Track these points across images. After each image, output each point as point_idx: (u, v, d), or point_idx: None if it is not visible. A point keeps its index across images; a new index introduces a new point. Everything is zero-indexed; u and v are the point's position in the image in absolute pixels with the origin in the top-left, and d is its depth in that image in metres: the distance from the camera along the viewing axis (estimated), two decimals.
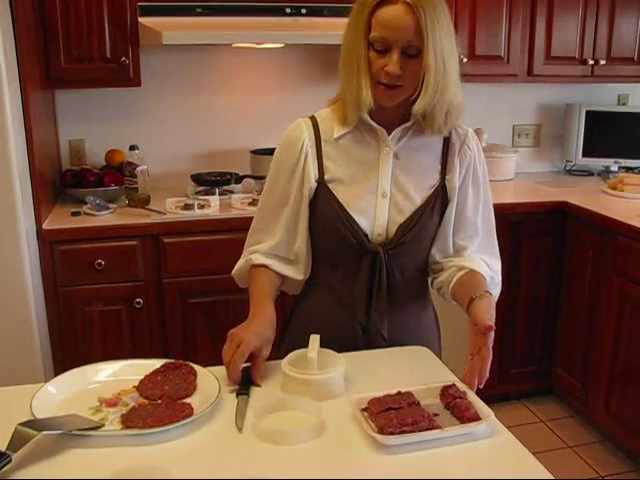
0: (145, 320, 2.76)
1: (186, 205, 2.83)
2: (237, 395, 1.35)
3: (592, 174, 3.74)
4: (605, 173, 3.66)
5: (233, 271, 1.66)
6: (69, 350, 2.70)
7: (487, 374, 1.35)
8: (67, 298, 2.66)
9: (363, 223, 1.54)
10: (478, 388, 1.37)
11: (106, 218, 2.76)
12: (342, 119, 1.54)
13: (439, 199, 1.57)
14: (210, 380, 1.39)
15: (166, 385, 1.38)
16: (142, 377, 1.42)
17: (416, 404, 1.27)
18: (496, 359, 3.13)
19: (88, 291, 2.68)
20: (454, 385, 1.34)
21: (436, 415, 1.27)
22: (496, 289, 1.63)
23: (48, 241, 2.59)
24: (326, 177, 1.55)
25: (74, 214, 2.77)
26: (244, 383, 1.39)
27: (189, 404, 1.32)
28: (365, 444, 1.20)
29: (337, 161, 1.55)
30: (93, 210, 2.78)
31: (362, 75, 1.43)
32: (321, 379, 1.34)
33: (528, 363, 3.30)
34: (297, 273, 1.60)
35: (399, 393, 1.31)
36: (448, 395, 1.31)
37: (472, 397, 1.32)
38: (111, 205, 2.85)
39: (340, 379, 1.38)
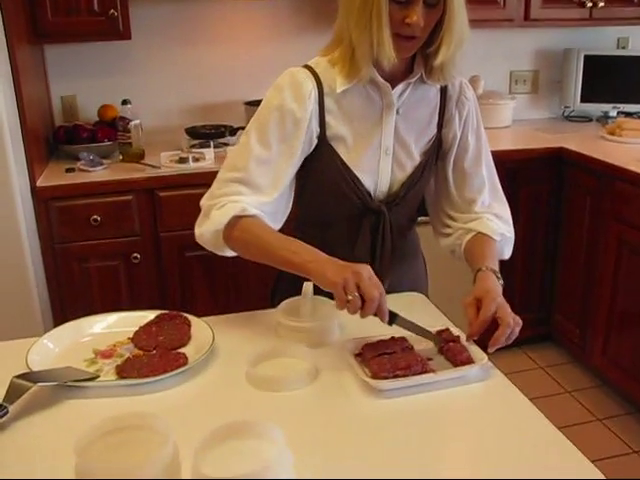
0: (143, 275, 2.77)
1: (181, 159, 2.81)
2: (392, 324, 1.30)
3: (591, 120, 3.70)
4: (604, 119, 3.62)
5: (205, 228, 1.44)
6: (69, 306, 2.71)
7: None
8: (64, 255, 2.66)
9: (367, 182, 1.51)
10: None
11: (100, 174, 2.74)
12: (346, 73, 1.43)
13: (436, 152, 1.56)
14: (204, 329, 1.39)
15: (160, 336, 1.39)
16: (137, 329, 1.42)
17: (410, 349, 1.28)
18: None
19: (85, 247, 2.67)
20: (448, 329, 1.35)
21: (430, 359, 1.28)
22: (509, 245, 1.62)
23: (42, 198, 2.58)
24: (327, 134, 1.47)
25: (68, 171, 2.75)
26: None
27: (183, 354, 1.32)
28: (359, 389, 1.21)
29: (339, 117, 1.47)
30: (87, 166, 2.76)
31: (383, 28, 1.32)
32: (315, 327, 1.35)
33: (527, 310, 3.30)
34: (279, 224, 1.52)
35: (393, 338, 1.32)
36: (441, 339, 1.31)
37: (465, 341, 1.32)
38: (105, 161, 2.83)
39: (334, 326, 1.38)
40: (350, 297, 1.22)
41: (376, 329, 1.35)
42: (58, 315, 2.71)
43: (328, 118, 1.47)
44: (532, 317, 3.31)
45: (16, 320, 2.48)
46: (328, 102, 1.46)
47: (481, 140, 1.59)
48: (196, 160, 2.80)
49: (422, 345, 1.32)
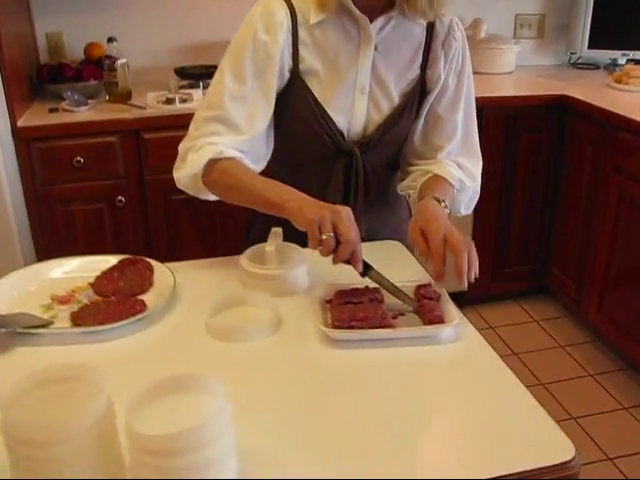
0: (128, 218, 2.70)
1: (168, 99, 2.72)
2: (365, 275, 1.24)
3: (598, 67, 3.56)
4: (612, 66, 3.48)
5: (183, 172, 1.37)
6: (53, 250, 2.66)
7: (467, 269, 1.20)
8: (47, 197, 2.59)
9: (340, 121, 1.43)
10: (470, 284, 1.23)
11: (85, 114, 2.64)
12: (319, 3, 1.35)
13: (417, 94, 1.46)
14: (167, 276, 1.33)
15: (121, 281, 1.33)
16: (98, 274, 1.36)
17: (379, 301, 1.21)
18: (490, 258, 3.13)
19: (68, 190, 2.60)
20: (428, 285, 1.26)
21: (401, 315, 1.21)
22: (468, 198, 1.53)
23: (24, 139, 2.50)
24: (300, 68, 1.39)
25: (51, 111, 2.66)
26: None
27: (142, 300, 1.27)
28: (319, 339, 1.15)
29: (313, 51, 1.39)
30: (71, 106, 2.66)
31: None
32: (281, 274, 1.28)
33: (523, 262, 3.25)
34: (260, 166, 1.46)
35: (367, 288, 1.25)
36: (418, 294, 1.24)
37: (445, 300, 1.24)
38: (91, 101, 2.74)
39: (301, 274, 1.31)
40: (325, 236, 1.15)
41: (352, 279, 1.29)
42: (42, 259, 2.64)
43: (302, 51, 1.38)
44: (529, 269, 3.26)
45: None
46: (302, 33, 1.37)
47: (462, 85, 1.48)
48: (183, 101, 2.70)
49: (397, 299, 1.25)
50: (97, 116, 2.62)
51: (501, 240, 3.16)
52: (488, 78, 3.22)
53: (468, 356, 1.13)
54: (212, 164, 1.33)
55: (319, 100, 1.40)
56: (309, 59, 1.39)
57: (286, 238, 1.37)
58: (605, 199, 2.78)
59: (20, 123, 2.50)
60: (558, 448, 0.92)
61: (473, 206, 1.57)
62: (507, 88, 3.16)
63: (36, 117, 2.61)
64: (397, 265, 1.31)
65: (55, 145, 2.54)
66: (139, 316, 1.20)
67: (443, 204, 1.34)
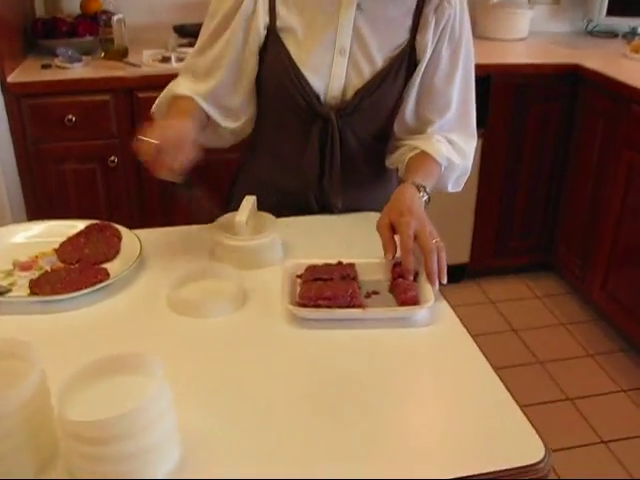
0: (121, 179, 2.64)
1: (164, 58, 2.63)
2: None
3: (616, 36, 3.41)
4: (630, 35, 3.33)
5: (153, 107, 1.45)
6: (44, 210, 2.61)
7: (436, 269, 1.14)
8: (38, 156, 2.53)
9: (315, 83, 1.35)
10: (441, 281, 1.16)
11: (78, 71, 2.56)
12: None
13: (405, 62, 1.36)
14: (134, 243, 1.27)
15: (87, 248, 1.27)
16: (64, 239, 1.30)
17: (351, 278, 1.14)
18: (494, 231, 3.05)
19: (60, 148, 2.54)
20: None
21: (375, 293, 1.14)
22: (456, 176, 1.45)
23: (14, 95, 2.42)
24: (278, 24, 1.33)
25: (44, 67, 2.58)
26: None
27: (105, 269, 1.21)
28: (285, 317, 1.09)
29: (290, 6, 1.32)
30: (64, 62, 2.58)
31: None
32: (249, 246, 1.22)
33: (528, 237, 3.16)
34: (225, 120, 1.41)
35: (339, 263, 1.18)
36: (394, 273, 1.16)
37: (423, 279, 1.15)
38: (85, 57, 2.65)
39: (274, 245, 1.25)
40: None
41: (328, 252, 1.23)
42: (33, 219, 2.60)
43: (279, 7, 1.32)
44: (533, 244, 3.18)
45: None
46: None
47: (458, 56, 1.37)
48: (180, 60, 2.61)
49: (374, 276, 1.18)
50: (91, 73, 2.54)
51: (505, 213, 3.07)
52: (499, 44, 3.10)
53: (442, 342, 1.06)
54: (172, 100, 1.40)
55: (294, 59, 1.32)
56: (286, 16, 1.32)
57: (266, 208, 1.31)
58: (614, 174, 2.68)
59: (10, 79, 2.43)
60: (528, 447, 0.85)
61: (463, 184, 1.49)
62: (518, 55, 3.03)
63: (28, 73, 2.53)
64: (377, 238, 1.23)
65: (46, 102, 2.46)
66: (98, 286, 1.14)
67: (422, 192, 1.25)
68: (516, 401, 0.94)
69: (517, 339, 2.79)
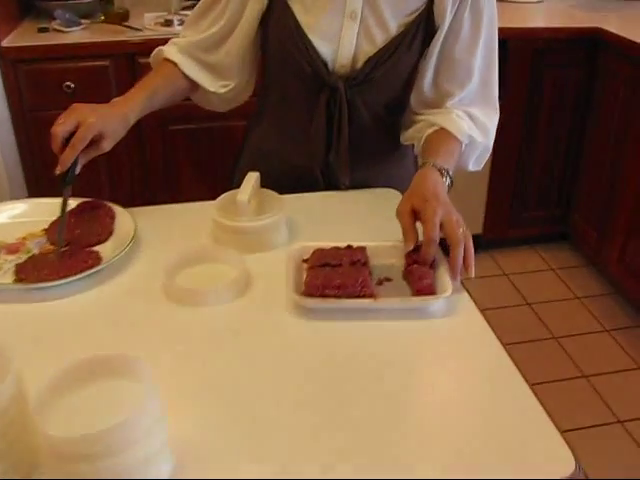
0: (122, 148, 2.49)
1: (166, 21, 2.52)
2: (65, 183, 1.18)
3: None
4: None
5: (150, 56, 1.42)
6: (44, 182, 2.53)
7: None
8: (36, 124, 2.44)
9: (323, 49, 1.24)
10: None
11: (76, 35, 2.46)
12: None
13: (422, 28, 1.25)
14: (129, 224, 1.18)
15: (78, 229, 1.19)
16: (55, 218, 1.22)
17: (361, 263, 1.05)
18: (508, 201, 2.95)
19: (58, 116, 2.43)
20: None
21: (388, 280, 1.05)
22: (478, 154, 1.35)
23: (10, 60, 2.33)
24: None
25: (41, 30, 2.47)
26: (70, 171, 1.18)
27: (97, 253, 1.13)
28: (289, 306, 1.01)
29: None
30: (62, 26, 2.48)
31: None
32: (251, 227, 1.13)
33: (543, 207, 3.06)
34: (210, 83, 1.35)
35: (349, 247, 1.09)
36: (409, 258, 1.07)
37: (443, 268, 1.05)
38: (84, 21, 2.54)
39: (279, 227, 1.16)
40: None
41: (336, 233, 1.14)
42: (33, 191, 2.53)
43: None
44: (548, 215, 3.08)
45: None
46: None
47: (480, 24, 1.26)
48: (182, 23, 2.50)
49: (388, 260, 1.09)
50: (90, 37, 2.44)
51: (521, 183, 2.96)
52: (515, 7, 2.96)
53: (461, 336, 0.97)
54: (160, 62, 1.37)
55: (300, 23, 1.22)
56: None
57: (270, 181, 1.23)
58: (634, 144, 2.56)
59: (5, 43, 2.33)
60: (556, 460, 0.77)
61: (484, 163, 1.39)
62: (536, 19, 2.89)
63: (24, 37, 2.43)
64: (391, 217, 1.13)
65: (44, 68, 2.37)
66: (88, 272, 1.06)
67: (446, 176, 1.16)
68: (529, 385, 0.86)
69: (531, 313, 2.71)
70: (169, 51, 1.33)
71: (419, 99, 1.33)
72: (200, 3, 1.33)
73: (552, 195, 3.04)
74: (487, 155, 1.37)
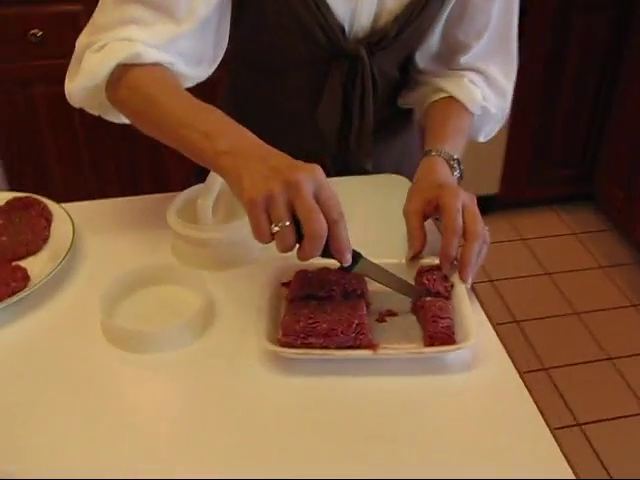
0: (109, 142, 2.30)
1: None
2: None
3: None
4: None
5: (76, 83, 0.94)
6: (14, 144, 2.29)
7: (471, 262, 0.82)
8: (2, 79, 2.18)
9: (340, 10, 0.96)
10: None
11: None
12: None
13: None
14: (67, 228, 0.94)
15: (4, 235, 0.95)
16: None
17: (357, 295, 0.81)
18: (527, 158, 2.68)
19: (25, 69, 2.17)
20: (435, 269, 0.84)
21: (391, 315, 0.81)
22: (491, 124, 1.13)
23: None
24: None
25: None
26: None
27: (24, 270, 0.89)
28: (264, 351, 0.77)
29: None
30: None
31: None
32: (218, 239, 0.88)
33: (566, 165, 2.80)
34: (204, 72, 1.00)
35: (341, 269, 0.84)
36: (420, 282, 0.83)
37: (461, 294, 0.82)
38: None
39: (252, 237, 0.91)
40: (276, 229, 0.70)
41: None
42: (6, 157, 2.29)
43: None
44: (571, 174, 2.83)
45: None
46: None
47: None
48: None
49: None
50: None
51: (542, 138, 2.69)
52: None
53: (478, 399, 0.74)
54: (122, 72, 0.88)
55: None
56: None
57: None
58: None
59: None
60: None
61: (496, 131, 1.17)
62: None
63: None
64: (398, 219, 0.89)
65: (4, 13, 2.09)
66: (7, 302, 0.83)
67: (456, 168, 0.95)
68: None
69: (551, 284, 2.48)
70: (136, 53, 0.88)
71: (426, 54, 1.09)
72: None
73: (576, 152, 2.77)
74: (502, 123, 1.15)
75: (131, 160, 2.39)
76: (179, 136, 0.81)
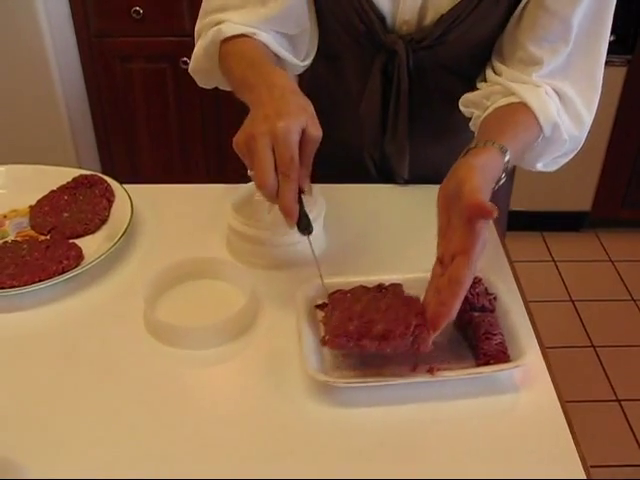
0: (193, 83, 2.31)
1: None
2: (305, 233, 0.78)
3: None
4: None
5: (191, 64, 1.05)
6: (110, 112, 2.35)
7: (453, 310, 0.68)
8: (103, 51, 2.24)
9: (381, 1, 0.93)
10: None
11: None
12: None
13: None
14: (127, 210, 0.95)
15: (66, 212, 0.96)
16: (46, 193, 1.00)
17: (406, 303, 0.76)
18: (627, 176, 2.54)
19: (126, 44, 2.23)
20: (478, 282, 0.79)
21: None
22: (558, 148, 0.94)
23: None
24: None
25: None
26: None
27: (79, 250, 0.89)
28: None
29: None
30: None
31: None
32: (273, 240, 0.86)
33: None
34: (298, 55, 1.01)
35: (380, 287, 0.78)
36: (466, 299, 0.76)
37: (508, 303, 0.77)
38: None
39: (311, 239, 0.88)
40: (249, 173, 0.75)
41: (376, 255, 0.88)
42: (98, 120, 2.36)
43: None
44: None
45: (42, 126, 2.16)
46: None
47: None
48: None
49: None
50: None
51: None
52: None
53: (526, 423, 0.69)
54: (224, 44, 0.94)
55: None
56: None
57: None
58: None
59: None
60: None
61: (559, 165, 0.99)
62: None
63: None
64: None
65: None
66: (60, 278, 0.84)
67: (506, 155, 0.79)
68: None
69: (636, 312, 2.35)
70: (234, 26, 0.94)
71: (497, 52, 0.97)
72: None
73: None
74: (570, 156, 0.98)
75: (219, 145, 2.42)
76: (241, 83, 0.87)
